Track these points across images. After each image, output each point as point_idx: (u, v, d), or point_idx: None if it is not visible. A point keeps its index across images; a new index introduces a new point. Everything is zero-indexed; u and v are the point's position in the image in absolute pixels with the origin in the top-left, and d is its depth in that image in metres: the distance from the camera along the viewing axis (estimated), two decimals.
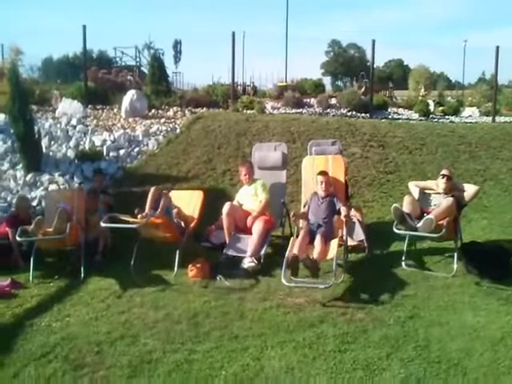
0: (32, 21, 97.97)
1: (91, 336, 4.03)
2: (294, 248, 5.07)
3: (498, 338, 3.86)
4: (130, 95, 11.38)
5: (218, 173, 8.66)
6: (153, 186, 5.94)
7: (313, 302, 4.60)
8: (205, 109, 12.82)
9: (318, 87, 17.82)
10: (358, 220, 6.18)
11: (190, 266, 5.38)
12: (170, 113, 12.16)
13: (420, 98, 16.87)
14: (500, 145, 10.18)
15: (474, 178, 8.46)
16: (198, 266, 5.35)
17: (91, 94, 12.62)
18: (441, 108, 15.61)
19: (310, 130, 10.18)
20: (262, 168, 6.81)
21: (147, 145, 9.54)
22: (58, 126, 10.02)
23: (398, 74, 52.77)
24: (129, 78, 15.91)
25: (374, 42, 13.00)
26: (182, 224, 5.89)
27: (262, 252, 5.63)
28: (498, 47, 13.06)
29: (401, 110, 15.38)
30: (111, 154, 8.98)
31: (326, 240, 5.27)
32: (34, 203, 7.09)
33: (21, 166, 8.09)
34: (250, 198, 6.24)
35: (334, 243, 5.21)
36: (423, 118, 13.86)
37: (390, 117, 13.77)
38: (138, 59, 24.70)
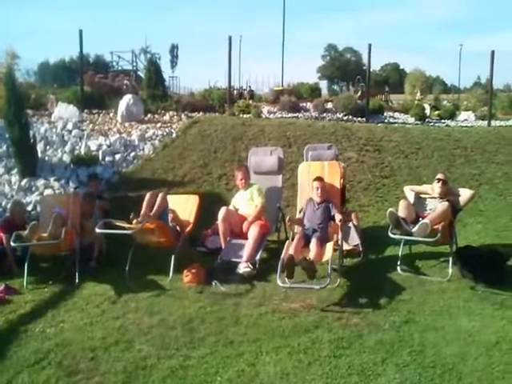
0: (30, 21, 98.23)
1: (85, 342, 4.01)
2: (289, 250, 5.08)
3: (492, 343, 3.86)
4: (126, 100, 11.38)
5: (214, 177, 8.65)
6: (149, 192, 5.92)
7: (308, 307, 4.60)
8: (201, 113, 12.82)
9: (314, 91, 17.85)
10: (354, 224, 6.19)
11: (185, 271, 5.37)
12: (166, 117, 12.15)
13: (416, 101, 16.92)
14: (495, 149, 10.21)
15: (469, 183, 8.48)
16: (194, 271, 5.34)
17: (87, 98, 12.62)
18: (437, 112, 15.65)
19: (306, 135, 10.19)
20: (258, 172, 6.81)
21: (143, 149, 9.53)
22: (54, 130, 10.01)
23: (394, 78, 52.92)
24: (125, 82, 15.91)
25: (370, 46, 13.04)
26: (178, 228, 5.87)
27: (258, 257, 5.63)
28: (493, 51, 13.12)
29: (397, 114, 15.41)
30: (107, 158, 8.97)
31: (322, 243, 5.28)
32: (29, 208, 7.07)
33: (16, 170, 8.08)
34: (246, 202, 6.24)
35: (330, 246, 5.23)
36: (419, 122, 13.89)
37: (385, 121, 13.79)
38: (134, 63, 24.78)
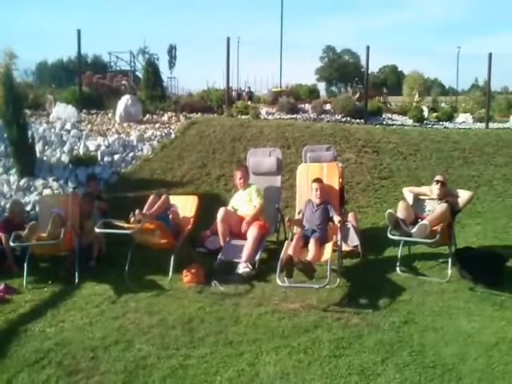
0: (29, 22, 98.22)
1: (85, 341, 4.00)
2: (288, 250, 5.09)
3: (492, 344, 3.87)
4: (124, 100, 11.38)
5: (213, 178, 8.66)
6: (151, 194, 5.95)
7: (307, 307, 4.60)
8: (199, 114, 12.84)
9: (313, 93, 17.91)
10: (353, 225, 6.20)
11: (184, 271, 5.37)
12: (165, 118, 12.16)
13: (414, 103, 16.97)
14: (493, 151, 10.25)
15: (467, 184, 8.51)
16: (193, 271, 5.34)
17: (86, 98, 12.63)
18: (435, 114, 15.71)
19: (304, 136, 10.21)
20: (257, 173, 6.82)
21: (142, 150, 9.54)
22: (52, 130, 10.00)
23: (393, 80, 53.14)
24: (123, 82, 15.93)
25: (368, 48, 13.09)
26: (178, 228, 5.87)
27: (257, 257, 5.63)
28: (490, 54, 13.19)
29: (395, 116, 15.47)
30: (105, 158, 8.97)
31: (321, 244, 5.29)
32: (28, 208, 7.06)
33: (14, 170, 8.07)
34: (245, 203, 6.24)
35: (329, 246, 5.23)
36: (417, 124, 13.95)
37: (384, 123, 13.84)
38: (132, 64, 24.78)
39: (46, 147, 9.19)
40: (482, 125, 13.76)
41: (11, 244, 5.45)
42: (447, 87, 49.26)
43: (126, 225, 5.39)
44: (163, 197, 5.80)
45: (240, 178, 6.36)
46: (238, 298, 4.88)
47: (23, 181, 7.78)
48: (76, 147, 9.30)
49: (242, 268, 5.50)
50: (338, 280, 5.11)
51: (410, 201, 5.86)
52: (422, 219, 5.34)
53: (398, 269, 5.53)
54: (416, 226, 5.15)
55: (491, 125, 13.74)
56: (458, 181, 8.71)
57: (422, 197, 5.90)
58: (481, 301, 4.70)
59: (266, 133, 10.37)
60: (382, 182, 8.70)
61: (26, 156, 8.02)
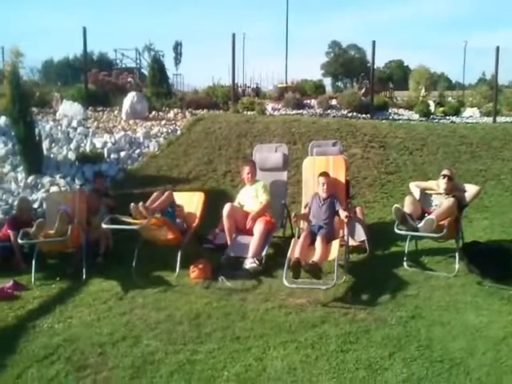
0: (32, 21, 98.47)
1: (93, 337, 4.03)
2: (295, 250, 5.05)
3: (500, 338, 3.86)
4: (130, 97, 11.42)
5: (219, 174, 8.67)
6: (158, 190, 5.95)
7: (314, 302, 4.60)
8: (205, 110, 12.85)
9: (319, 88, 17.87)
10: (360, 220, 6.18)
11: (191, 266, 5.38)
12: (171, 114, 12.18)
13: (420, 98, 16.87)
14: (501, 145, 10.19)
15: (475, 179, 8.47)
16: (200, 266, 5.36)
17: (92, 96, 12.66)
18: (441, 108, 15.61)
19: (310, 131, 10.19)
20: (263, 169, 6.81)
21: (148, 146, 9.56)
22: (59, 128, 10.04)
23: (399, 75, 52.80)
24: (129, 80, 15.93)
25: (374, 42, 13.02)
26: (184, 225, 5.88)
27: (264, 253, 5.63)
28: (498, 47, 13.08)
29: (401, 111, 15.40)
30: (112, 155, 9.00)
31: (328, 241, 5.26)
32: (36, 205, 7.10)
33: (22, 168, 8.11)
34: (251, 199, 6.24)
35: (336, 244, 5.21)
36: (424, 119, 13.87)
37: (390, 117, 13.78)
38: (138, 61, 24.81)
39: (53, 145, 9.23)
40: (490, 119, 13.66)
41: (19, 241, 5.50)
42: (454, 81, 48.92)
43: (132, 220, 5.41)
44: (167, 193, 5.81)
45: (248, 173, 6.35)
46: (245, 294, 4.89)
47: (30, 178, 7.82)
48: (82, 144, 9.34)
49: (249, 263, 5.51)
50: (345, 276, 5.11)
51: (417, 195, 5.83)
52: (429, 214, 5.32)
53: (405, 263, 5.52)
54: (423, 221, 5.13)
55: (499, 119, 13.64)
56: (465, 175, 8.67)
57: (428, 191, 5.87)
58: (488, 295, 4.69)
59: (272, 128, 10.36)
60: (389, 177, 8.68)
61: (33, 154, 8.06)
